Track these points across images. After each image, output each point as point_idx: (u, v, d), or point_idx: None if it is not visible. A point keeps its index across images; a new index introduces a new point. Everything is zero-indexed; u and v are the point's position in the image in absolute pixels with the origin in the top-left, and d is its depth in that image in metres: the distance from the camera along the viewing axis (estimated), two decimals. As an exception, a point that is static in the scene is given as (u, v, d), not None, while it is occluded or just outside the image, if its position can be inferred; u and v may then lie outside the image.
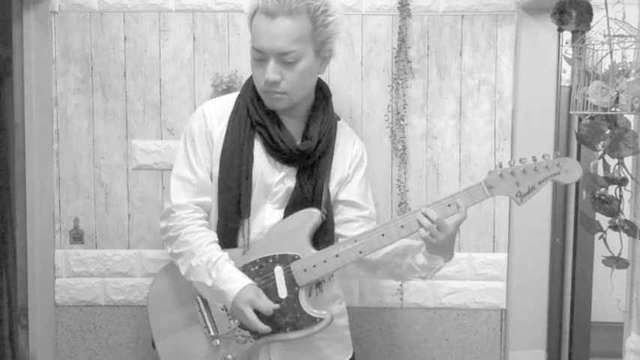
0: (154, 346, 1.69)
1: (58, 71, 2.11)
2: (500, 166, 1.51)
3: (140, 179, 2.13)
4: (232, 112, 1.65)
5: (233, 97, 1.69)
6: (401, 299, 2.15)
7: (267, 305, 1.52)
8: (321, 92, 1.71)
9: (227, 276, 1.54)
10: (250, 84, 1.67)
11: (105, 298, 2.16)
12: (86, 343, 2.19)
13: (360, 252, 1.55)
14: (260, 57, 1.55)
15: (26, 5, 2.00)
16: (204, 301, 1.62)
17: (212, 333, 1.60)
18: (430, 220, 1.49)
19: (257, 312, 1.54)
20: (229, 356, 1.58)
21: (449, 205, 1.51)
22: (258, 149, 1.63)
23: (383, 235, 1.54)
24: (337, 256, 1.55)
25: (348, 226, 1.71)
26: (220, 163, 1.62)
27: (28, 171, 2.04)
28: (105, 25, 2.10)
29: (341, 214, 1.71)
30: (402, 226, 1.53)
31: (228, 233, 1.62)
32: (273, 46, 1.52)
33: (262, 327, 1.52)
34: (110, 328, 2.18)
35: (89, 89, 2.11)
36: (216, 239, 1.63)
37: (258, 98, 1.64)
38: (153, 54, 2.10)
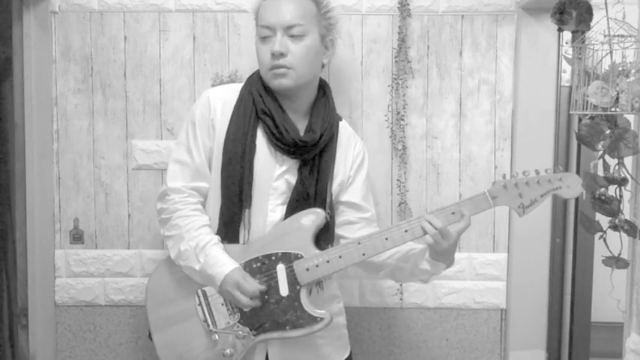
0: (150, 338, 1.70)
1: (58, 71, 2.11)
2: (504, 177, 1.52)
3: (140, 179, 2.13)
4: (237, 101, 1.66)
5: (238, 87, 1.71)
6: (401, 299, 2.15)
7: (253, 287, 1.54)
8: (322, 89, 1.73)
9: (214, 260, 1.56)
10: (255, 77, 1.69)
11: (105, 298, 2.16)
12: (86, 343, 2.19)
13: (364, 254, 1.57)
14: (267, 34, 1.61)
15: (26, 5, 2.00)
16: (205, 295, 1.63)
17: (211, 327, 1.61)
18: (434, 227, 1.50)
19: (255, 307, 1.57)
20: (227, 351, 1.59)
21: (453, 213, 1.53)
22: (261, 140, 1.65)
23: (387, 238, 1.55)
24: (340, 257, 1.57)
25: (350, 227, 1.72)
26: (223, 152, 1.63)
27: (28, 171, 2.04)
28: (105, 25, 2.10)
29: (342, 216, 1.72)
30: (406, 231, 1.54)
31: (230, 224, 1.63)
32: (280, 19, 1.59)
33: (251, 302, 1.54)
34: (110, 328, 2.18)
35: (89, 89, 2.11)
36: (208, 223, 1.64)
37: (265, 89, 1.65)
38: (153, 54, 2.10)
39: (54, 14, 2.09)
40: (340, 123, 1.75)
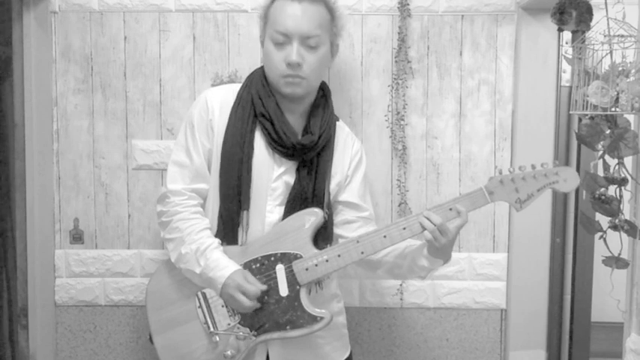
0: (151, 341, 1.70)
1: (58, 71, 2.11)
2: (501, 173, 1.52)
3: (140, 179, 2.13)
4: (235, 104, 1.66)
5: (236, 87, 1.70)
6: (401, 299, 2.15)
7: (256, 288, 1.54)
8: (322, 90, 1.73)
9: (215, 263, 1.56)
10: (255, 77, 1.68)
11: (105, 298, 2.16)
12: (86, 343, 2.19)
13: (362, 252, 1.57)
14: (282, 40, 1.58)
15: (26, 5, 2.00)
16: (205, 297, 1.63)
17: (211, 329, 1.61)
18: (433, 223, 1.51)
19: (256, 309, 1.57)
20: (228, 352, 1.59)
21: (450, 209, 1.53)
22: (259, 142, 1.64)
23: (385, 236, 1.56)
24: (339, 256, 1.57)
25: (348, 226, 1.72)
26: (222, 154, 1.63)
27: (28, 171, 2.04)
28: (105, 25, 2.10)
29: (341, 215, 1.73)
30: (404, 228, 1.55)
31: (229, 226, 1.63)
32: (299, 28, 1.56)
33: (253, 304, 1.55)
34: (110, 328, 2.18)
35: (89, 89, 2.11)
36: (208, 226, 1.64)
37: (265, 90, 1.65)
38: (153, 54, 2.10)
39: (54, 14, 2.09)
40: (337, 123, 1.75)
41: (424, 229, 1.52)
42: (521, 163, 2.08)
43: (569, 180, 1.50)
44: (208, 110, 1.65)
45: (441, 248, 1.54)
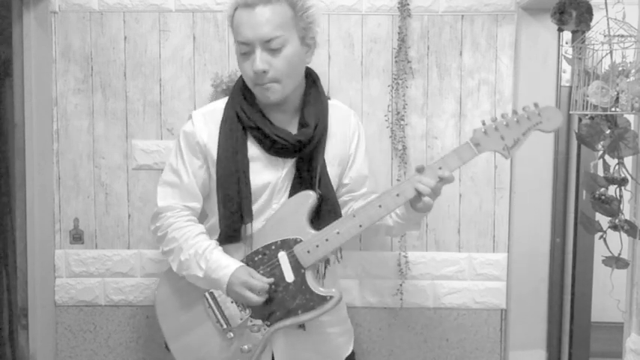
0: (167, 348, 1.70)
1: (58, 71, 2.11)
2: (484, 124, 1.52)
3: (140, 179, 2.13)
4: (222, 121, 1.64)
5: (223, 103, 1.69)
6: (401, 299, 2.15)
7: (262, 283, 1.54)
8: (310, 78, 1.70)
9: (216, 264, 1.56)
10: (238, 90, 1.67)
11: (105, 298, 2.16)
12: (86, 343, 2.19)
13: (360, 226, 1.56)
14: (246, 50, 1.56)
15: (26, 5, 2.00)
16: (213, 297, 1.63)
17: (225, 327, 1.61)
18: (428, 187, 1.51)
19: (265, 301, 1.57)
20: (245, 347, 1.59)
21: (440, 168, 1.53)
22: (255, 151, 1.63)
23: (380, 206, 1.55)
24: (339, 233, 1.56)
25: (353, 203, 1.73)
26: (217, 173, 1.62)
27: (28, 171, 2.04)
28: (105, 25, 2.10)
29: (345, 195, 1.73)
30: (398, 195, 1.54)
31: (231, 240, 1.63)
32: (257, 34, 1.53)
33: (261, 299, 1.54)
34: (110, 328, 2.18)
35: (89, 89, 2.11)
36: (204, 230, 1.65)
37: (248, 101, 1.63)
38: (153, 54, 2.10)
39: (54, 14, 2.09)
40: (330, 102, 1.72)
41: (419, 193, 1.52)
42: (521, 163, 2.10)
43: (552, 118, 1.49)
44: (196, 133, 1.64)
45: (427, 208, 1.54)
